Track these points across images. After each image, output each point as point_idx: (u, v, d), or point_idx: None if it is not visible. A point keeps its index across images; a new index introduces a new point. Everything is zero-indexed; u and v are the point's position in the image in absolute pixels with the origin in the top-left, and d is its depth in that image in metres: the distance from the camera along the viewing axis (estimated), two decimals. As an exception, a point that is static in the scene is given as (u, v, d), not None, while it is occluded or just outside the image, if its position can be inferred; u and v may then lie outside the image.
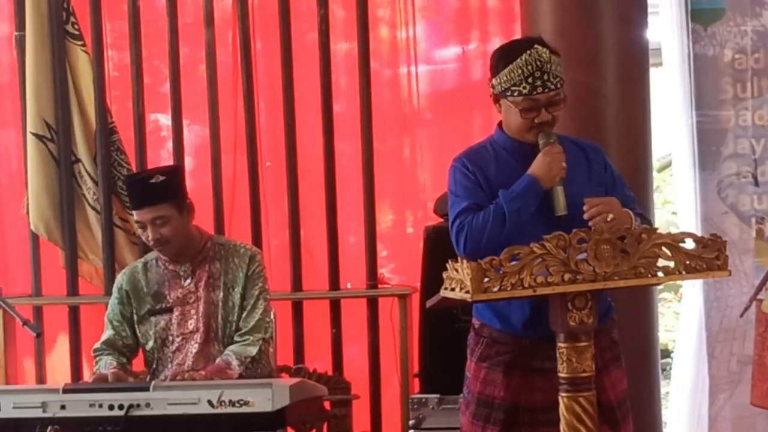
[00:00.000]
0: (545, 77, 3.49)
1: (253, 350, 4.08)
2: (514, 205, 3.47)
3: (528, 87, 3.50)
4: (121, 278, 4.30)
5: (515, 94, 3.52)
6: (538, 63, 3.50)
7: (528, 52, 3.50)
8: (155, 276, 4.22)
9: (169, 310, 4.17)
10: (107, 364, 4.11)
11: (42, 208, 5.46)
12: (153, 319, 4.18)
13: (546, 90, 3.50)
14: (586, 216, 3.42)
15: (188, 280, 4.19)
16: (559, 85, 3.53)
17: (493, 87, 3.59)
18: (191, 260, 4.18)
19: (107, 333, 4.23)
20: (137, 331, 4.21)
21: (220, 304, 4.15)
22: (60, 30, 5.44)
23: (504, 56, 3.58)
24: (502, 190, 3.50)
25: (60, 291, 5.56)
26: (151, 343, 4.19)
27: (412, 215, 5.49)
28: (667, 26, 5.13)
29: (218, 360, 4.07)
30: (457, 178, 3.62)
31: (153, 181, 4.13)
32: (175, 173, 4.29)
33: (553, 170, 3.50)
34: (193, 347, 4.14)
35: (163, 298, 4.19)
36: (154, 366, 4.21)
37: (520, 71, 3.50)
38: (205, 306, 4.15)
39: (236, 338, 4.13)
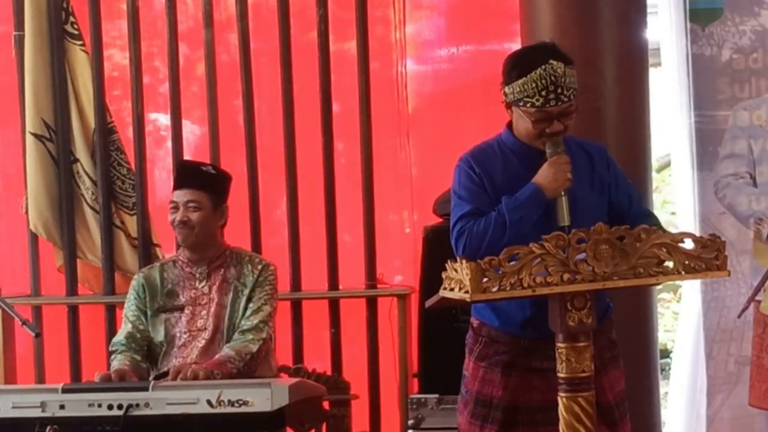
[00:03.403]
0: (559, 91, 3.46)
1: (254, 348, 4.12)
2: (516, 215, 3.45)
3: (541, 100, 3.47)
4: (138, 276, 4.40)
5: (528, 105, 3.49)
6: (553, 78, 3.45)
7: (543, 66, 3.45)
8: (171, 276, 4.31)
9: (180, 309, 4.25)
10: (119, 363, 4.17)
11: (41, 207, 5.46)
12: (163, 315, 4.26)
13: (559, 103, 3.48)
14: None
15: (203, 283, 4.27)
16: (572, 97, 3.50)
17: (505, 95, 3.56)
18: (208, 264, 4.28)
19: (125, 327, 4.29)
20: (149, 324, 4.28)
21: (229, 305, 4.24)
22: (59, 30, 5.44)
23: (517, 66, 3.53)
24: (505, 197, 3.48)
25: (59, 291, 5.56)
26: (159, 338, 4.25)
27: (410, 215, 5.48)
28: (666, 26, 5.13)
29: (218, 355, 4.11)
30: (462, 180, 3.60)
31: (204, 169, 4.35)
32: (225, 176, 4.43)
33: (558, 181, 3.47)
34: (200, 343, 4.20)
35: (176, 297, 4.27)
36: (159, 360, 4.25)
37: (534, 84, 3.46)
38: (217, 308, 4.23)
39: (236, 335, 4.18)
